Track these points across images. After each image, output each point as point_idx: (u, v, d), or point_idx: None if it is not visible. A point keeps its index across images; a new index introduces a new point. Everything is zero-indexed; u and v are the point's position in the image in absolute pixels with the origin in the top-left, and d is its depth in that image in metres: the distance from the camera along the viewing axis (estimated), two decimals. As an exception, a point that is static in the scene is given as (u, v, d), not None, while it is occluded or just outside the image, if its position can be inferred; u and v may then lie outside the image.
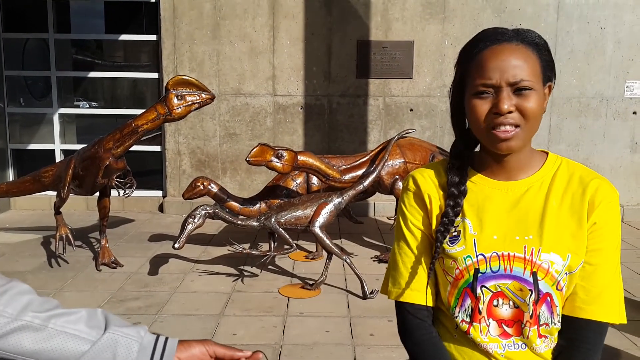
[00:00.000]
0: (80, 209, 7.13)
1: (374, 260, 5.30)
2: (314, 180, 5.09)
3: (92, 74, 7.79)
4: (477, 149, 1.25)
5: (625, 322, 1.16)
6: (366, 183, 4.67)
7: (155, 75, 7.47)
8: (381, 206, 7.10)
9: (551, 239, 1.13)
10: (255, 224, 4.50)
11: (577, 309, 1.14)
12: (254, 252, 4.55)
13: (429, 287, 1.23)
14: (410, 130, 5.25)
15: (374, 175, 4.73)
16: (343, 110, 7.13)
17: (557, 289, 1.14)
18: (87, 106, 8.16)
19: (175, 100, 4.41)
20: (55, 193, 5.17)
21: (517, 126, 1.10)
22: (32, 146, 7.73)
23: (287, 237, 4.39)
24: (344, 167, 5.00)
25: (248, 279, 4.73)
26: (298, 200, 4.60)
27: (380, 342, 3.59)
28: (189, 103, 4.46)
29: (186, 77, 4.49)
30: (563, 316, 1.16)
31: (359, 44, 6.99)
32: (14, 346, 0.85)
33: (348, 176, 4.92)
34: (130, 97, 8.34)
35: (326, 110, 7.15)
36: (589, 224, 1.14)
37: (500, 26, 1.20)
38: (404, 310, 1.25)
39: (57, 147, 7.63)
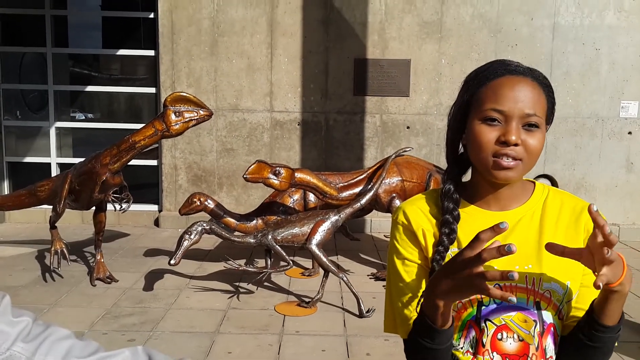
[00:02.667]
0: (76, 223, 7.09)
1: (370, 278, 5.28)
2: (311, 197, 5.09)
3: (90, 88, 7.80)
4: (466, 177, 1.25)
5: (616, 344, 1.16)
6: (363, 201, 4.67)
7: (152, 90, 7.49)
8: (377, 223, 7.10)
9: (551, 268, 1.13)
10: (252, 240, 4.48)
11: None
12: (250, 269, 4.53)
13: None
14: (408, 149, 5.27)
15: (371, 194, 4.74)
16: (340, 127, 7.16)
17: (559, 318, 1.14)
18: (83, 117, 8.16)
19: (173, 117, 4.42)
20: (50, 207, 5.15)
21: (519, 159, 1.11)
22: (28, 159, 7.71)
23: (284, 254, 4.38)
24: (341, 184, 5.01)
25: (244, 296, 4.70)
26: (295, 217, 4.60)
27: (376, 361, 3.56)
28: (186, 120, 4.46)
29: (184, 94, 4.51)
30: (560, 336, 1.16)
31: (356, 61, 7.03)
32: None
33: (345, 194, 4.93)
34: (127, 111, 8.35)
35: (323, 127, 7.17)
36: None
37: (508, 59, 1.21)
38: (410, 344, 1.20)
39: (53, 160, 7.61)
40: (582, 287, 1.16)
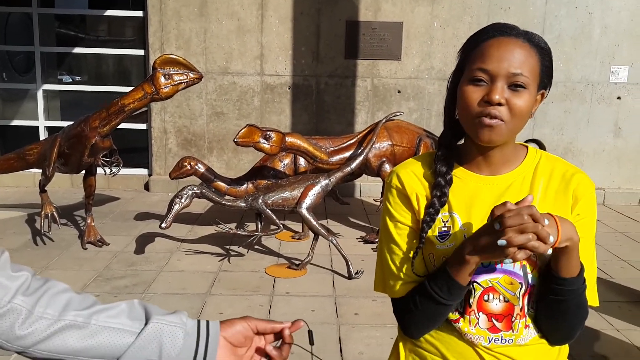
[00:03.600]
0: (65, 187, 7.08)
1: (359, 241, 5.36)
2: (302, 161, 5.11)
3: (77, 50, 7.67)
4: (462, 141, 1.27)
5: (597, 305, 1.21)
6: (353, 165, 4.69)
7: (141, 52, 7.38)
8: (367, 187, 7.14)
9: None
10: (243, 204, 4.51)
11: None
12: (240, 232, 4.57)
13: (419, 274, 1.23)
14: (398, 113, 5.27)
15: (361, 158, 4.76)
16: (331, 91, 7.12)
17: (541, 281, 1.18)
18: (70, 80, 8.05)
19: (162, 80, 4.38)
20: (39, 170, 5.14)
21: (502, 120, 1.11)
22: (16, 122, 7.62)
23: (274, 217, 4.42)
24: (332, 148, 5.02)
25: (234, 259, 4.76)
26: (285, 181, 4.62)
27: (364, 321, 3.65)
28: (176, 82, 4.43)
29: (174, 56, 4.45)
30: None
31: (347, 24, 6.95)
32: (60, 346, 0.85)
33: (335, 158, 4.94)
34: (115, 73, 8.24)
35: (314, 91, 7.13)
36: (572, 215, 1.18)
37: (508, 22, 1.20)
38: (399, 303, 1.25)
39: (41, 123, 7.53)
40: None
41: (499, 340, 1.16)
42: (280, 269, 4.54)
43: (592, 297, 1.19)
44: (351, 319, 3.71)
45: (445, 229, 1.19)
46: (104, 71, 8.33)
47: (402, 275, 1.23)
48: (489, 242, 1.03)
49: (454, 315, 1.19)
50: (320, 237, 4.49)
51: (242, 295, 4.03)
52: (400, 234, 1.24)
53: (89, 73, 8.34)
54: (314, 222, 4.41)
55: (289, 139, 4.65)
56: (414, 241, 1.23)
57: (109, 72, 8.31)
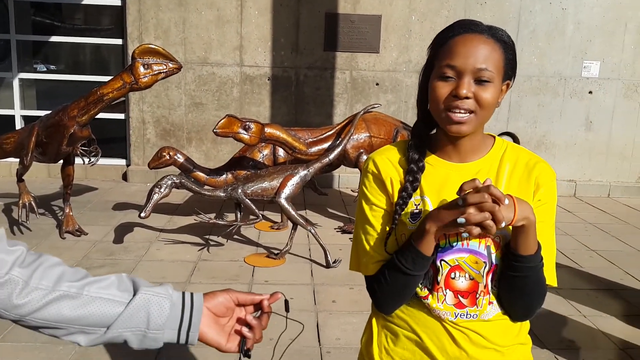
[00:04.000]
0: (42, 177, 7.02)
1: (337, 231, 5.44)
2: (281, 152, 5.16)
3: (54, 38, 7.58)
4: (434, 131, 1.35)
5: (555, 284, 1.31)
6: (332, 156, 4.77)
7: (119, 41, 7.33)
8: (345, 179, 7.23)
9: None
10: (222, 194, 4.56)
11: None
12: (220, 222, 4.62)
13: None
14: (376, 105, 5.36)
15: (339, 149, 4.83)
16: (310, 83, 7.17)
17: (502, 261, 1.26)
18: (45, 69, 7.95)
19: (141, 69, 4.39)
20: (15, 160, 5.10)
21: (471, 112, 1.19)
22: (-9, 111, 7.53)
23: (253, 207, 4.48)
24: (311, 140, 5.09)
25: (214, 248, 4.81)
26: (265, 171, 4.68)
27: (342, 308, 3.74)
28: (155, 72, 4.44)
29: (153, 46, 4.46)
30: None
31: (327, 16, 7.00)
32: (54, 315, 0.91)
33: (314, 149, 5.01)
34: (93, 62, 8.17)
35: (293, 82, 7.17)
36: (534, 201, 1.27)
37: (474, 19, 1.28)
38: (372, 280, 1.34)
39: (17, 112, 7.45)
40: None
41: (464, 315, 1.25)
42: (259, 258, 4.61)
43: (550, 277, 1.28)
44: (329, 306, 3.79)
45: (416, 211, 1.27)
46: (81, 60, 8.25)
47: (375, 254, 1.31)
48: (450, 216, 1.13)
49: (423, 292, 1.28)
50: (298, 226, 4.56)
51: (222, 284, 4.08)
52: (375, 216, 1.33)
53: (65, 62, 8.26)
54: (293, 212, 4.48)
55: (268, 130, 4.70)
56: (387, 223, 1.31)
57: (86, 61, 8.24)
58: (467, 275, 1.25)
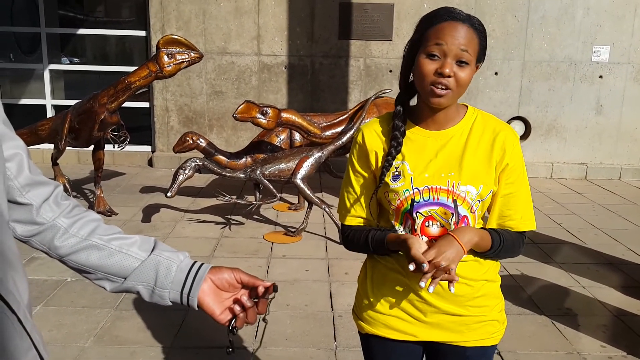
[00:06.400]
0: (72, 163, 7.41)
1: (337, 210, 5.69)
2: (297, 136, 5.44)
3: (82, 31, 7.94)
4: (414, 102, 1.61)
5: (535, 228, 1.58)
6: (344, 139, 5.03)
7: (142, 33, 7.65)
8: (360, 163, 7.46)
9: (468, 175, 1.49)
10: (242, 175, 4.86)
11: (509, 227, 1.55)
12: (240, 202, 4.92)
13: (372, 213, 1.61)
14: (387, 90, 5.60)
15: (351, 132, 5.09)
16: (325, 71, 7.42)
17: (471, 212, 1.51)
18: (68, 62, 8.31)
19: (165, 59, 4.70)
20: (49, 146, 5.44)
21: (449, 89, 1.44)
22: (23, 101, 7.92)
23: (272, 188, 4.77)
24: (325, 124, 5.35)
25: (235, 227, 5.12)
26: (281, 154, 4.96)
27: (353, 279, 3.96)
28: (178, 61, 4.74)
29: (176, 37, 4.76)
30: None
31: (341, 5, 7.23)
32: (84, 260, 1.11)
33: (328, 133, 5.28)
34: (118, 54, 8.51)
35: (309, 71, 7.43)
36: (502, 165, 1.51)
37: (455, 7, 1.52)
38: (347, 229, 1.66)
39: (48, 102, 7.84)
40: (509, 194, 1.53)
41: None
42: (277, 236, 4.90)
43: (529, 224, 1.56)
44: (341, 277, 4.08)
45: (397, 173, 1.54)
46: (107, 52, 8.60)
47: (352, 210, 1.64)
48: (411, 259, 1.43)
49: None
50: (314, 206, 4.84)
51: (242, 258, 4.40)
52: (357, 181, 1.62)
53: (93, 54, 8.61)
54: (309, 192, 4.76)
55: (284, 115, 4.97)
56: (365, 187, 1.61)
57: (111, 52, 8.58)
58: (438, 224, 1.51)
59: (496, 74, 7.38)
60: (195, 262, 1.14)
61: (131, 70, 4.86)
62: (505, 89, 7.42)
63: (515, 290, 3.95)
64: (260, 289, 1.12)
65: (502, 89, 7.40)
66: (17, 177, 1.04)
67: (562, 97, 7.49)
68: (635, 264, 4.53)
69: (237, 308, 1.11)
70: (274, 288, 1.12)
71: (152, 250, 1.13)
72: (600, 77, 7.44)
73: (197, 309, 1.12)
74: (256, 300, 1.12)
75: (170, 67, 4.71)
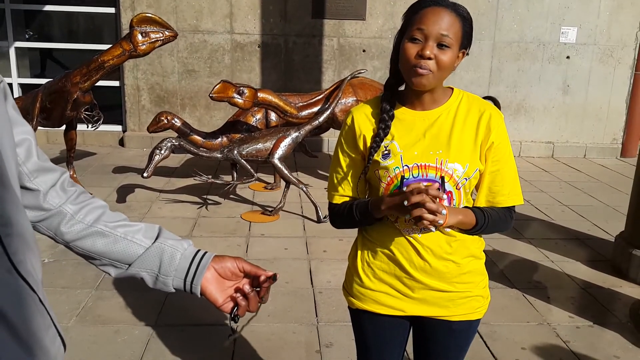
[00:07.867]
0: (41, 143, 7.25)
1: (327, 190, 5.76)
2: (273, 116, 5.45)
3: (48, 8, 7.70)
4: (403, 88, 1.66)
5: (522, 202, 1.66)
6: (321, 119, 5.07)
7: (112, 10, 7.48)
8: (334, 142, 7.49)
9: (456, 153, 1.56)
10: (219, 155, 4.86)
11: (497, 202, 1.62)
12: (217, 182, 4.93)
13: (359, 193, 1.68)
14: (362, 71, 5.64)
15: (328, 112, 5.13)
16: (299, 50, 7.41)
17: (456, 188, 1.58)
18: (28, 36, 8.04)
19: (139, 37, 4.63)
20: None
21: (430, 71, 1.49)
22: (-13, 80, 7.68)
23: (249, 167, 4.79)
24: (301, 104, 5.38)
25: (212, 207, 5.13)
26: (258, 134, 4.97)
27: (332, 256, 4.10)
28: (152, 40, 4.68)
29: (150, 15, 4.69)
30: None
31: (314, -16, 7.19)
32: (90, 246, 1.14)
33: (304, 113, 5.31)
34: (87, 31, 8.31)
35: (282, 50, 7.40)
36: (488, 144, 1.58)
37: None
38: (333, 207, 1.73)
39: (14, 80, 7.63)
40: (496, 171, 1.60)
41: (425, 229, 1.57)
42: (254, 215, 4.94)
43: (517, 198, 1.64)
44: (320, 255, 4.16)
45: (386, 152, 1.59)
46: (75, 29, 8.37)
47: (339, 189, 1.70)
48: (397, 206, 1.50)
49: (392, 217, 1.61)
50: (291, 185, 4.88)
51: (221, 237, 4.43)
52: (345, 161, 1.68)
53: (60, 31, 8.37)
54: (286, 171, 4.80)
55: (260, 95, 4.98)
56: (353, 167, 1.67)
57: (79, 30, 8.36)
58: None
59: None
60: (199, 251, 1.16)
61: (100, 49, 4.77)
62: (476, 69, 7.53)
63: (487, 265, 3.99)
64: (262, 278, 1.15)
65: (473, 70, 7.52)
66: (26, 162, 1.05)
67: (530, 77, 7.65)
68: (600, 239, 4.74)
69: (239, 297, 1.14)
70: (274, 277, 1.15)
71: (157, 238, 1.15)
72: (568, 57, 7.62)
73: (199, 296, 1.15)
74: (258, 289, 1.15)
75: (144, 46, 4.65)
